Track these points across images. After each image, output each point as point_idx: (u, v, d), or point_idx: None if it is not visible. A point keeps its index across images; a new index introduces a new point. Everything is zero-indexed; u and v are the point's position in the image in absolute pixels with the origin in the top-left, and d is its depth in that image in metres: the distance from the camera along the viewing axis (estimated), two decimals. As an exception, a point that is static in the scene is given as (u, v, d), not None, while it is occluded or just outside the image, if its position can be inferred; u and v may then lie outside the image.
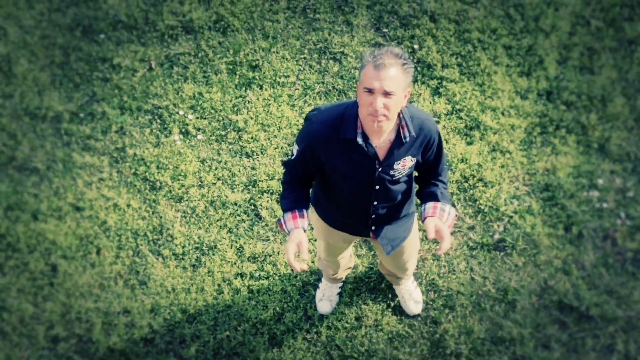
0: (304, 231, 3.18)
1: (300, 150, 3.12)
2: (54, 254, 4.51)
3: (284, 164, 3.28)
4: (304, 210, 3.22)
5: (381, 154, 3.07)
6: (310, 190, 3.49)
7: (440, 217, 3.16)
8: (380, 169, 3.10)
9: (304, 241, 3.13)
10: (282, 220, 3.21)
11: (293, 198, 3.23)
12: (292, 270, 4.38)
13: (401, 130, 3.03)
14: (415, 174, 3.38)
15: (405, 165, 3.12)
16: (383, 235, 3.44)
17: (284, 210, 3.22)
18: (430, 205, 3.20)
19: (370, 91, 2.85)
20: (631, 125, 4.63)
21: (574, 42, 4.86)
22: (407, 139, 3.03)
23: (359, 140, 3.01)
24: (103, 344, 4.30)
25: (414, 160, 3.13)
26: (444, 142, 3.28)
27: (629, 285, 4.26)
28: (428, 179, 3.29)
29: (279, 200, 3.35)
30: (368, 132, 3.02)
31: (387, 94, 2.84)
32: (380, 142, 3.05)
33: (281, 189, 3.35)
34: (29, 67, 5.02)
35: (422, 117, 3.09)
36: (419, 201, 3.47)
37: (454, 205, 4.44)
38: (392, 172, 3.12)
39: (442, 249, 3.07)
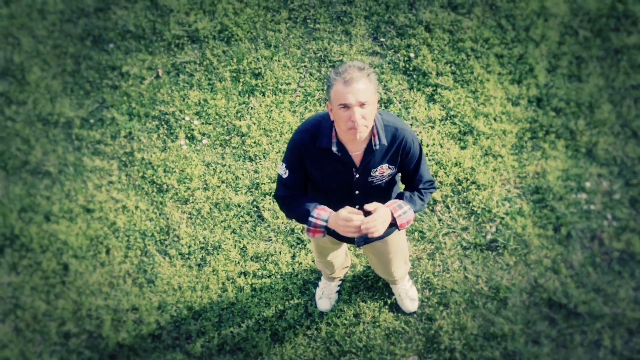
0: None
1: (288, 164, 3.13)
2: (65, 254, 4.54)
3: (278, 190, 3.17)
4: (319, 203, 3.14)
5: (357, 161, 3.10)
6: None
7: (394, 211, 3.07)
8: (357, 176, 3.13)
9: (347, 208, 3.01)
10: (313, 221, 3.06)
11: (304, 202, 3.15)
12: (293, 269, 4.42)
13: (372, 138, 3.05)
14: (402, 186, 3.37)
15: (383, 172, 3.14)
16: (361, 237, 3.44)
17: (308, 214, 3.08)
18: (392, 200, 3.16)
19: (346, 106, 2.87)
20: (617, 130, 4.65)
21: (562, 51, 4.89)
22: (377, 146, 3.04)
23: (334, 149, 3.03)
24: (112, 339, 4.33)
25: (392, 168, 3.14)
26: (424, 158, 3.21)
27: (615, 284, 4.28)
28: (409, 190, 3.24)
29: (292, 217, 3.18)
30: (344, 141, 3.04)
31: (362, 104, 2.87)
32: (356, 149, 3.07)
33: (284, 213, 3.23)
34: (41, 75, 5.05)
35: (396, 125, 3.08)
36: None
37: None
38: (370, 179, 3.15)
39: (367, 221, 2.93)
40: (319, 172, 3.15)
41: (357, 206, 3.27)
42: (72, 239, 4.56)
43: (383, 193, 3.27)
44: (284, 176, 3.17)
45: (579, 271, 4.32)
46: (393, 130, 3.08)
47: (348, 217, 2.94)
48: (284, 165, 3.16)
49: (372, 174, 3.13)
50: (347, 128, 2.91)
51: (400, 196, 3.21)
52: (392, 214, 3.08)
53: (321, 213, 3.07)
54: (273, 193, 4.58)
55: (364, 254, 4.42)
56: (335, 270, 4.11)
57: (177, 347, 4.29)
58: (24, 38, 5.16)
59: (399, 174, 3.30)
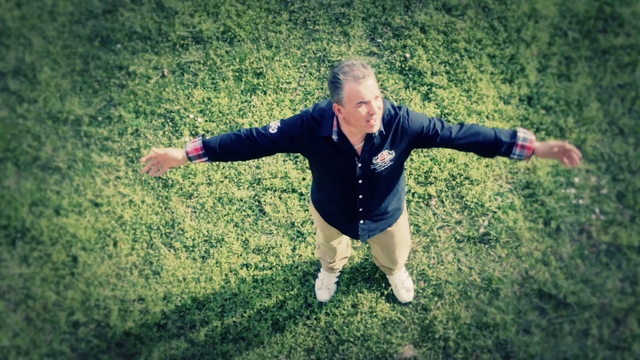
0: (188, 159, 3.14)
1: (282, 130, 3.06)
2: (74, 246, 4.51)
3: (249, 130, 3.11)
4: (207, 155, 3.14)
5: (359, 150, 3.06)
6: (310, 186, 3.48)
7: (532, 142, 3.06)
8: (360, 165, 3.09)
9: (168, 152, 3.13)
10: (189, 142, 3.19)
11: (220, 143, 3.13)
12: (293, 261, 4.38)
13: None
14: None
15: (384, 159, 3.08)
16: (364, 227, 3.43)
17: (201, 139, 3.15)
18: (515, 139, 3.06)
19: (364, 103, 2.83)
20: (605, 128, 4.63)
21: (552, 51, 4.87)
22: (376, 134, 3.01)
23: (334, 137, 3.00)
24: (119, 328, 4.30)
25: (392, 153, 3.08)
26: (436, 120, 3.11)
27: (603, 275, 4.26)
28: (481, 142, 3.09)
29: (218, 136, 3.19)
30: (346, 133, 3.01)
31: (377, 97, 2.86)
32: (356, 142, 3.04)
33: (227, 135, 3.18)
34: (51, 75, 5.02)
35: (390, 112, 3.03)
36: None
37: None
38: (372, 167, 3.10)
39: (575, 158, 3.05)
40: (322, 161, 3.10)
41: (360, 196, 3.23)
42: (81, 232, 4.53)
43: (386, 180, 3.22)
44: (271, 131, 3.07)
45: (568, 263, 4.29)
46: (387, 118, 3.03)
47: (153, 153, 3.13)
48: (279, 126, 3.07)
49: (374, 161, 3.08)
50: (365, 122, 2.87)
51: (492, 143, 3.07)
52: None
53: (189, 145, 3.16)
54: (282, 177, 4.55)
55: (361, 247, 4.39)
56: (336, 260, 4.08)
57: (182, 336, 4.26)
58: (35, 39, 5.13)
59: (404, 163, 3.25)
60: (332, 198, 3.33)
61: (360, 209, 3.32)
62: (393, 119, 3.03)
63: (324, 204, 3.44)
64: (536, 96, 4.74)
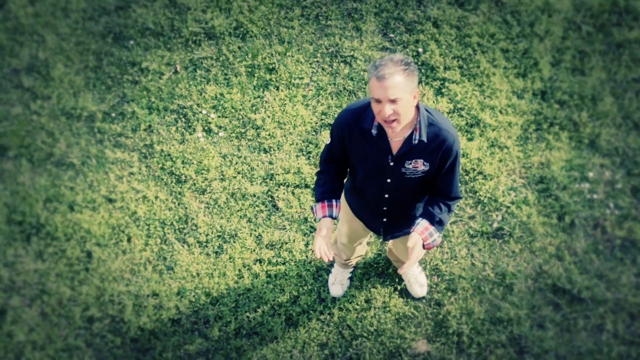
0: (333, 218, 3.21)
1: (332, 136, 3.15)
2: (88, 242, 4.52)
3: (322, 153, 3.27)
4: (334, 200, 3.23)
5: (395, 148, 3.03)
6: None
7: (425, 240, 3.13)
8: (392, 163, 3.06)
9: (329, 233, 3.17)
10: (314, 209, 3.28)
11: (324, 189, 3.25)
12: (306, 256, 4.39)
13: (414, 132, 2.97)
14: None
15: (417, 167, 3.05)
16: (387, 226, 3.43)
17: (316, 200, 3.27)
18: (423, 224, 3.15)
19: (378, 101, 2.83)
20: (619, 122, 4.60)
21: (566, 45, 4.83)
22: (416, 141, 2.97)
23: (374, 131, 3.00)
24: (134, 324, 4.32)
25: (427, 165, 3.04)
26: (459, 165, 3.16)
27: (617, 270, 4.24)
28: (438, 196, 3.19)
29: (313, 188, 3.37)
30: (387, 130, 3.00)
31: (393, 101, 2.80)
32: (396, 137, 3.00)
33: (315, 178, 3.32)
34: (65, 71, 5.03)
35: (441, 125, 2.99)
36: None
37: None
38: (403, 170, 3.07)
39: (404, 268, 3.06)
40: (358, 152, 3.10)
41: (386, 195, 3.21)
42: (95, 228, 4.54)
43: (414, 191, 3.19)
44: (328, 142, 3.21)
45: (583, 258, 4.27)
46: (436, 130, 2.98)
47: (316, 247, 3.16)
48: (331, 132, 3.17)
49: (407, 165, 3.05)
50: (379, 119, 2.89)
51: (431, 216, 3.17)
52: (423, 241, 3.13)
53: (318, 212, 3.25)
54: (294, 172, 4.55)
55: (374, 242, 4.38)
56: (352, 258, 4.07)
57: (196, 331, 4.27)
58: (48, 36, 5.14)
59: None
60: (361, 189, 3.31)
61: (385, 208, 3.31)
62: (440, 134, 2.99)
63: (354, 193, 3.42)
64: (550, 90, 4.71)
